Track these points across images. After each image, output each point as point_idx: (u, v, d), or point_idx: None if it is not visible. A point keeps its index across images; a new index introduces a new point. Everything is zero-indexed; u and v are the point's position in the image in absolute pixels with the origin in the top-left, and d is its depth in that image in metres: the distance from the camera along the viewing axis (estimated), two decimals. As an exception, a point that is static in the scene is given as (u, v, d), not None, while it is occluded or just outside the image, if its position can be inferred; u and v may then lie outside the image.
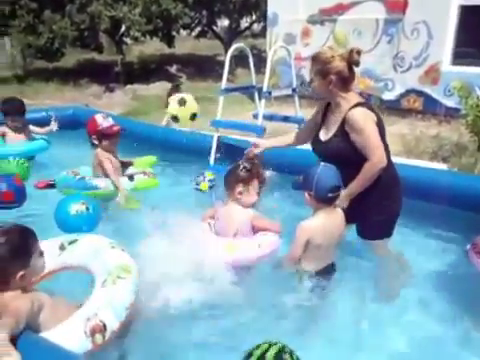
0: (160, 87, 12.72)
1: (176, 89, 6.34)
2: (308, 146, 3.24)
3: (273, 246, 2.97)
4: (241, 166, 3.09)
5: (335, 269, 2.91)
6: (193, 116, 4.25)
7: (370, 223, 3.00)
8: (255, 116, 5.28)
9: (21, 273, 2.11)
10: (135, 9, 12.67)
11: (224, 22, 16.74)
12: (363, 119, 2.81)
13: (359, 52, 2.85)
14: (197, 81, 13.99)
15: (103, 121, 4.21)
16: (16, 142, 5.24)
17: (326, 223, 2.76)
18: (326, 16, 9.88)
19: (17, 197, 3.69)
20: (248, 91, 6.10)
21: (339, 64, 2.85)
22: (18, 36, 13.45)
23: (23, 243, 2.16)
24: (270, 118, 5.53)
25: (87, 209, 3.31)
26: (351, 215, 2.91)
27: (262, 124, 4.97)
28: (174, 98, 4.29)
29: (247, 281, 2.92)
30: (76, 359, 1.95)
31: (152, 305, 2.57)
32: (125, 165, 4.47)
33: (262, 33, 14.83)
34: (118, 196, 4.05)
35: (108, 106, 10.48)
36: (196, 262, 2.74)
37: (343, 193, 2.83)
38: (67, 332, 2.10)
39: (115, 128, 4.24)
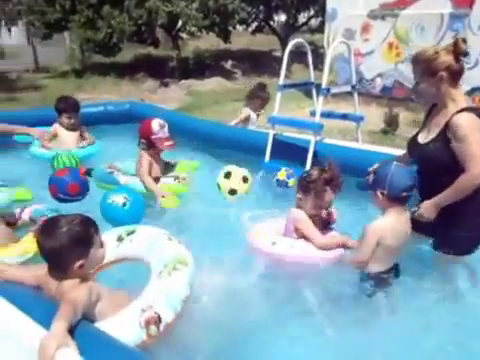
0: (215, 83, 12.70)
1: (263, 89, 6.13)
2: (359, 145, 3.13)
3: (303, 255, 2.90)
4: (307, 173, 3.00)
5: (399, 271, 2.81)
6: (232, 192, 4.12)
7: (456, 238, 2.77)
8: (312, 113, 5.13)
9: (80, 262, 2.13)
10: (192, 4, 12.66)
11: (281, 17, 16.52)
12: (468, 126, 2.59)
13: (465, 40, 2.67)
14: (252, 77, 13.85)
15: (159, 130, 4.11)
16: (70, 146, 5.11)
17: (397, 224, 2.69)
18: (388, 10, 9.50)
19: (82, 190, 3.71)
20: (306, 87, 5.93)
21: (446, 58, 2.66)
22: (77, 31, 13.70)
23: (84, 232, 2.18)
24: (328, 115, 5.36)
25: (123, 204, 3.28)
26: (432, 227, 2.73)
27: (320, 121, 4.81)
28: (238, 172, 4.18)
29: (308, 277, 2.92)
30: (131, 351, 1.91)
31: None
32: (170, 166, 4.41)
33: (320, 28, 14.52)
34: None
35: (163, 101, 10.54)
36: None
37: (429, 203, 2.67)
38: (122, 323, 2.09)
39: (167, 144, 4.15)
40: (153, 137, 4.10)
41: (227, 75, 13.89)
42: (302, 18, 16.39)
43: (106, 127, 6.21)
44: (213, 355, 2.33)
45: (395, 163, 2.67)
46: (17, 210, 3.31)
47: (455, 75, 2.70)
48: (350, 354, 2.38)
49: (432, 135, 2.80)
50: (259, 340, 2.46)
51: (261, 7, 14.00)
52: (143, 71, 14.12)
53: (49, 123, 5.33)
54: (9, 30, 12.65)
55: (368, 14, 9.80)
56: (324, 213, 3.07)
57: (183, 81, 12.98)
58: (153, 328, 2.10)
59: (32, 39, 15.38)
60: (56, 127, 5.24)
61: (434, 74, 2.68)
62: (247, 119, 5.93)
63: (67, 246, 2.11)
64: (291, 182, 4.27)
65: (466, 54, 2.67)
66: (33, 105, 9.49)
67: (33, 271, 2.32)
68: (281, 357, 2.44)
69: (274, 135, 5.04)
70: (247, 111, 5.96)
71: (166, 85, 12.92)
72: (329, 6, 10.54)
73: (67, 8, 13.35)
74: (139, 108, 6.65)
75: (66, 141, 5.19)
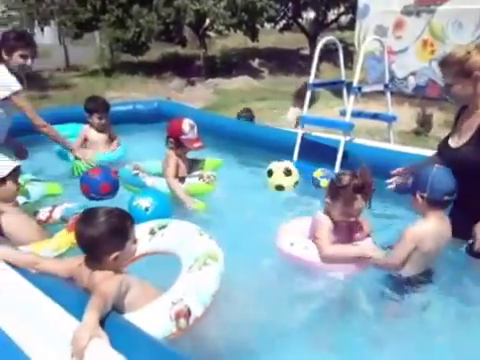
0: (242, 81, 12.61)
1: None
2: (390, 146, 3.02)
3: (311, 260, 2.81)
4: (338, 177, 2.83)
5: (434, 276, 2.74)
6: (296, 184, 4.19)
7: None
8: (342, 113, 5.02)
9: (116, 254, 2.17)
10: (220, 2, 12.59)
11: (310, 14, 16.31)
12: None
13: None
14: (279, 76, 13.76)
15: (189, 131, 4.05)
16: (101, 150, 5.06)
17: (437, 229, 2.61)
18: (423, 6, 9.22)
19: (113, 189, 3.74)
20: (336, 86, 5.80)
21: (479, 58, 2.59)
22: (107, 30, 13.84)
23: (122, 225, 2.23)
24: (358, 115, 5.23)
25: (146, 209, 3.30)
26: (469, 231, 2.63)
27: (350, 121, 4.70)
28: (279, 167, 4.18)
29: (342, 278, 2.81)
30: (159, 344, 1.89)
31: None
32: (196, 163, 4.34)
33: (349, 26, 14.26)
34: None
35: (189, 100, 10.51)
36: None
37: None
38: (152, 315, 2.11)
39: (197, 145, 4.10)
40: (183, 137, 4.04)
41: (254, 74, 13.78)
42: (331, 15, 16.14)
43: (134, 126, 6.22)
44: (232, 353, 2.33)
45: (437, 166, 2.58)
46: (48, 208, 3.33)
47: None
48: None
49: (464, 139, 2.73)
50: (276, 341, 2.40)
51: (289, 4, 13.82)
52: (170, 70, 14.15)
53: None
54: (42, 30, 12.79)
55: (402, 10, 9.53)
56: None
57: (210, 80, 12.94)
58: (183, 321, 2.11)
59: (63, 39, 15.55)
60: (86, 129, 5.15)
61: (468, 75, 2.60)
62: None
63: (105, 236, 2.15)
64: (323, 183, 4.17)
65: None
66: (63, 103, 9.60)
67: (66, 263, 2.37)
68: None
69: (303, 135, 4.95)
70: (297, 111, 5.87)
71: (193, 84, 12.91)
72: (361, 2, 10.30)
73: (98, 8, 13.49)
74: (167, 107, 6.62)
75: (96, 144, 5.11)
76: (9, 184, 2.87)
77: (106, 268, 2.17)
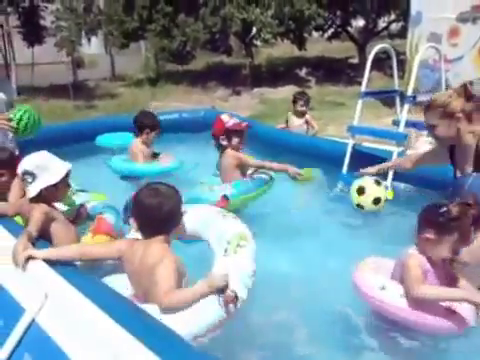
0: (288, 91, 12.40)
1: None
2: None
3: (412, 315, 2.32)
4: (446, 208, 2.36)
5: None
6: (376, 201, 3.89)
7: None
8: (395, 123, 4.84)
9: (179, 227, 2.39)
10: (268, 11, 12.47)
11: (359, 22, 15.99)
12: None
13: (472, 83, 2.94)
14: (327, 85, 13.49)
15: (230, 119, 4.06)
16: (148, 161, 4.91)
17: None
18: (480, 13, 8.82)
19: None
20: (389, 96, 5.57)
21: (459, 102, 2.87)
22: (153, 40, 13.92)
23: (181, 201, 2.40)
24: (413, 125, 4.96)
25: None
26: None
27: (405, 132, 4.53)
28: (353, 187, 3.99)
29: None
30: (190, 346, 1.81)
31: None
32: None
33: (400, 33, 13.86)
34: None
35: (235, 109, 10.39)
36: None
37: None
38: (203, 304, 2.14)
39: (243, 124, 4.10)
40: (229, 126, 4.02)
41: (301, 83, 13.56)
42: (382, 23, 15.77)
43: (180, 135, 6.21)
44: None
45: None
46: (76, 207, 3.32)
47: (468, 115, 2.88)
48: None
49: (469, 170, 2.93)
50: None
51: (338, 12, 13.56)
52: (215, 79, 14.10)
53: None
54: (89, 40, 13.06)
55: (457, 17, 9.12)
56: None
57: (256, 89, 12.81)
58: (232, 306, 2.19)
59: (110, 48, 15.84)
60: (136, 146, 4.90)
61: (451, 116, 2.88)
62: None
63: (178, 208, 2.36)
64: (389, 194, 4.07)
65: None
66: (109, 112, 9.71)
67: (114, 245, 2.45)
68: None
69: (353, 145, 4.80)
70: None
71: (238, 93, 12.84)
72: (413, 9, 9.96)
73: (144, 17, 13.60)
74: (213, 116, 6.55)
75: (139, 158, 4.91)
76: (61, 187, 2.88)
77: (165, 242, 2.30)
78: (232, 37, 14.49)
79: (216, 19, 12.88)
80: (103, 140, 5.82)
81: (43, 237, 2.63)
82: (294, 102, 6.10)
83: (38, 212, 2.64)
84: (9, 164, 3.19)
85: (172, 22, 13.36)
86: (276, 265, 3.01)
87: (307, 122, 6.12)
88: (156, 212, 2.27)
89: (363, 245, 3.39)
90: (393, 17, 14.95)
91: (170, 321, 2.01)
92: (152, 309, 2.07)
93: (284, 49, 17.33)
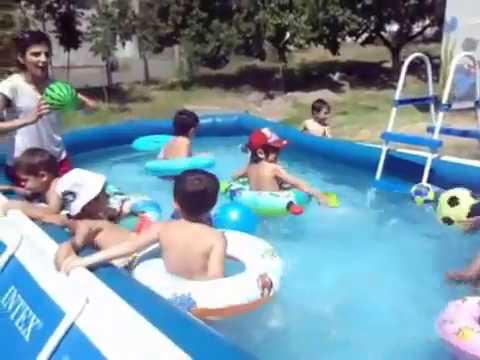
0: (321, 95, 12.39)
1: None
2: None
3: None
4: None
5: None
6: (470, 215, 3.43)
7: None
8: (430, 129, 4.79)
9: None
10: (301, 16, 12.51)
11: (393, 27, 15.85)
12: None
13: None
14: (360, 89, 13.42)
15: (272, 134, 4.09)
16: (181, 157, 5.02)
17: None
18: (518, 18, 8.69)
19: None
20: (424, 102, 5.55)
21: None
22: (187, 44, 14.12)
23: (219, 187, 2.69)
24: (447, 132, 4.96)
25: (232, 220, 3.38)
26: None
27: (439, 139, 4.49)
28: (444, 197, 3.65)
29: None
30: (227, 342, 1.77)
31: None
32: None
33: (434, 38, 13.72)
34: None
35: (267, 113, 10.47)
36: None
37: None
38: (244, 281, 2.46)
39: (284, 141, 4.14)
40: (270, 142, 4.08)
41: (334, 87, 13.52)
42: (416, 28, 15.61)
43: (213, 139, 6.28)
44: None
45: None
46: (117, 204, 3.41)
47: None
48: None
49: None
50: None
51: (372, 17, 13.49)
52: (248, 83, 14.17)
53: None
54: (123, 44, 13.33)
55: (493, 22, 9.04)
56: None
57: (289, 93, 12.83)
58: (266, 291, 2.44)
59: (144, 52, 16.12)
60: (182, 140, 5.07)
61: None
62: None
63: (216, 193, 2.63)
64: (418, 200, 4.09)
65: None
66: (142, 115, 9.88)
67: (153, 229, 2.64)
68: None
69: (387, 151, 4.76)
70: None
71: (271, 97, 12.89)
72: (448, 15, 9.85)
73: (178, 23, 13.81)
74: (247, 120, 6.63)
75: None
76: (102, 198, 2.94)
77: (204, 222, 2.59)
78: (266, 42, 14.57)
79: (250, 25, 13.00)
80: (140, 143, 5.97)
81: (92, 247, 2.70)
82: (318, 110, 6.07)
83: (82, 228, 2.68)
84: (50, 165, 3.29)
85: (206, 27, 13.53)
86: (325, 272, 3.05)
87: (324, 132, 6.09)
88: (205, 192, 2.52)
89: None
90: (428, 22, 14.79)
91: (216, 296, 2.31)
92: (198, 285, 2.36)
93: (318, 53, 17.27)
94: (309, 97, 12.26)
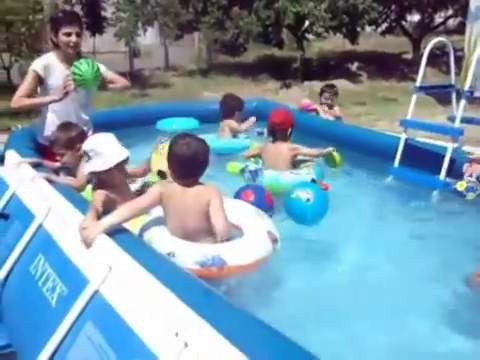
0: (339, 85, 12.29)
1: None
2: None
3: None
4: None
5: None
6: None
7: None
8: (450, 118, 4.76)
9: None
10: (321, 4, 12.43)
11: (414, 17, 15.64)
12: None
13: None
14: (378, 80, 13.31)
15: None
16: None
17: None
18: None
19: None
20: (445, 91, 5.49)
21: None
22: (207, 32, 14.14)
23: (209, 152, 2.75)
24: (468, 121, 4.88)
25: (307, 199, 3.29)
26: None
27: (460, 127, 4.41)
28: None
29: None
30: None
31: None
32: None
33: (457, 29, 13.54)
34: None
35: (284, 101, 10.39)
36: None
37: None
38: (259, 237, 2.67)
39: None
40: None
41: (352, 77, 13.45)
42: (438, 18, 15.39)
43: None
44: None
45: None
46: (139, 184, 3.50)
47: None
48: None
49: None
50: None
51: (393, 7, 13.31)
52: (266, 71, 14.18)
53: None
54: (145, 31, 13.42)
55: (518, 13, 8.90)
56: None
57: (306, 82, 12.80)
58: (276, 246, 2.70)
59: (164, 39, 16.17)
60: (232, 122, 5.50)
61: None
62: None
63: (208, 157, 2.71)
64: (470, 196, 3.93)
65: None
66: (162, 101, 9.96)
67: (155, 190, 2.68)
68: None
69: (406, 140, 4.71)
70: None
71: (288, 86, 12.86)
72: (472, 5, 9.72)
73: (199, 10, 13.82)
74: (266, 106, 6.63)
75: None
76: (115, 173, 2.94)
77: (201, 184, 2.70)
78: (284, 30, 14.50)
79: (269, 12, 12.96)
80: (164, 124, 6.06)
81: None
82: (320, 94, 6.28)
83: (98, 199, 2.71)
84: (83, 139, 3.30)
85: (226, 14, 13.52)
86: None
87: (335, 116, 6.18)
88: (199, 156, 2.63)
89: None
90: (450, 12, 14.58)
91: (243, 254, 2.51)
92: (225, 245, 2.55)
93: (336, 43, 17.17)
94: (327, 86, 12.21)
